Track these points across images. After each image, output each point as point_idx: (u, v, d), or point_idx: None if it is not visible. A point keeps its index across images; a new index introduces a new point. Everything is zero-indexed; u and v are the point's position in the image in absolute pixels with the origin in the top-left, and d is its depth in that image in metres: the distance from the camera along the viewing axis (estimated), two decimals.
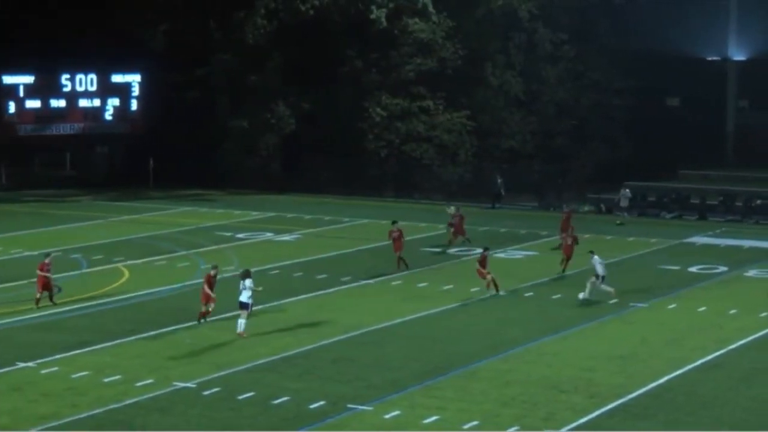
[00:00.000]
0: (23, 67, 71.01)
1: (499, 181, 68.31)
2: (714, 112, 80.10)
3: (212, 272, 37.57)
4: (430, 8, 73.45)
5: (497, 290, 42.23)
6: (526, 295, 42.90)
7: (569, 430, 27.52)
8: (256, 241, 55.14)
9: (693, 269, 48.28)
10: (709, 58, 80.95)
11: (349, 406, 28.94)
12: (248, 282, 35.93)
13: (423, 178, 73.00)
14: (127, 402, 29.14)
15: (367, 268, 47.38)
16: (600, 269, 41.40)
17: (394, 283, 44.91)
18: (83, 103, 72.82)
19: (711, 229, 59.87)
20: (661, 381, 31.38)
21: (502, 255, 50.54)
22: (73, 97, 72.48)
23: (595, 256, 41.77)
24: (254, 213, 63.78)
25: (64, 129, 72.68)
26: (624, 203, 63.61)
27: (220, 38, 74.00)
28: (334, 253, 51.42)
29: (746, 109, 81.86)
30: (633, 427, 27.79)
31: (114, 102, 73.67)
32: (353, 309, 40.24)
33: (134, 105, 74.29)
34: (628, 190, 64.26)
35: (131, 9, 72.73)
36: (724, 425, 28.00)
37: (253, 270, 37.87)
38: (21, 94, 71.28)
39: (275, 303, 40.23)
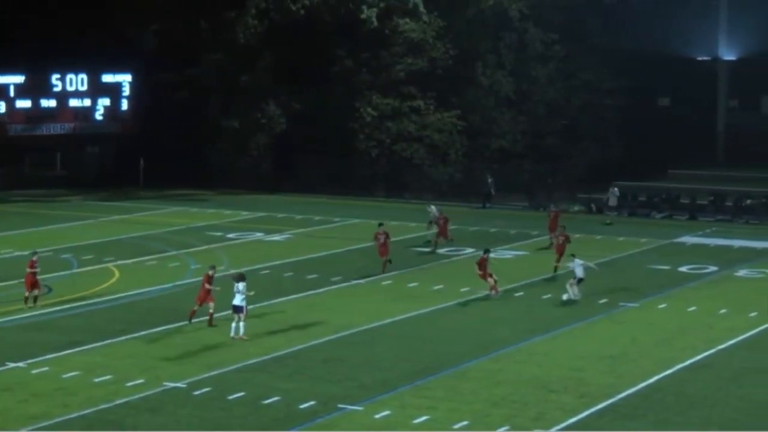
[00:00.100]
0: (14, 67, 70.80)
1: (489, 180, 68.30)
2: (704, 112, 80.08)
3: (210, 272, 37.59)
4: (421, 8, 73.36)
5: (495, 292, 41.95)
6: (516, 295, 42.93)
7: (559, 430, 27.56)
8: (247, 241, 55.12)
9: (683, 269, 48.36)
10: (700, 58, 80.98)
11: (340, 406, 28.95)
12: (241, 286, 35.91)
13: (414, 178, 72.90)
14: (118, 402, 29.14)
15: (357, 268, 47.39)
16: (579, 272, 41.40)
17: (384, 283, 44.93)
18: (74, 103, 72.69)
19: (701, 229, 59.96)
20: (651, 381, 31.43)
21: (492, 255, 50.45)
22: (63, 97, 72.35)
23: (576, 260, 41.82)
24: (245, 213, 63.76)
25: (55, 129, 72.56)
26: (613, 202, 63.71)
27: (211, 38, 73.95)
28: (325, 253, 51.42)
29: (736, 109, 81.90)
30: (623, 427, 27.82)
31: (104, 102, 73.55)
32: (344, 309, 40.25)
33: (125, 105, 74.19)
34: (616, 189, 64.35)
35: (122, 9, 72.57)
36: (714, 425, 28.03)
37: (243, 270, 37.82)
38: (11, 93, 71.10)
39: (266, 303, 40.16)
